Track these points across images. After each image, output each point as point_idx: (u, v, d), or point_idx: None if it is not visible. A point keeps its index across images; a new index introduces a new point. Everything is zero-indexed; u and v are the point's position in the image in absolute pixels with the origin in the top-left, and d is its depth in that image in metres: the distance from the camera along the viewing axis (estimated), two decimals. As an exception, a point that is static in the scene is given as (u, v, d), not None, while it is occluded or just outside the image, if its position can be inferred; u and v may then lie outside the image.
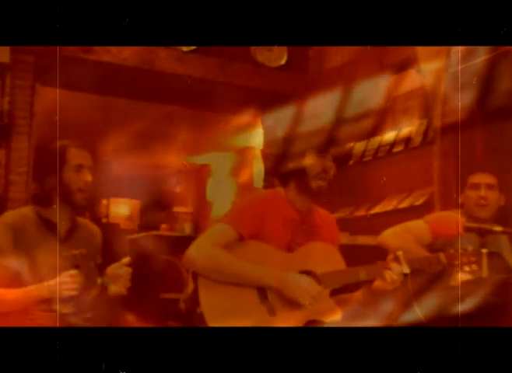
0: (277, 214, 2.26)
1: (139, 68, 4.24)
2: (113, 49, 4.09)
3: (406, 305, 2.32)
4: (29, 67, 3.96)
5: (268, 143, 5.10)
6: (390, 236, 2.73)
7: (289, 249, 2.24)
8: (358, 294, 2.30)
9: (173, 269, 4.10)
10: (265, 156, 5.22)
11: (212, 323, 2.03)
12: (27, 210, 2.30)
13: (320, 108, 4.24)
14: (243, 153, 7.14)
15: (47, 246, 2.21)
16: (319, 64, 4.79)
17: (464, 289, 2.35)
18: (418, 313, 2.29)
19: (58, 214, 2.29)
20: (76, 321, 2.14)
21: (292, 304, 2.12)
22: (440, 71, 3.59)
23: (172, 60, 4.33)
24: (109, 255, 2.38)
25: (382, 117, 4.37)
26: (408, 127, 4.22)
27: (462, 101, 3.30)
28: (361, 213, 4.44)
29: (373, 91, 4.24)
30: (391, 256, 2.22)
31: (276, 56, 4.67)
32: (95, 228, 2.45)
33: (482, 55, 3.33)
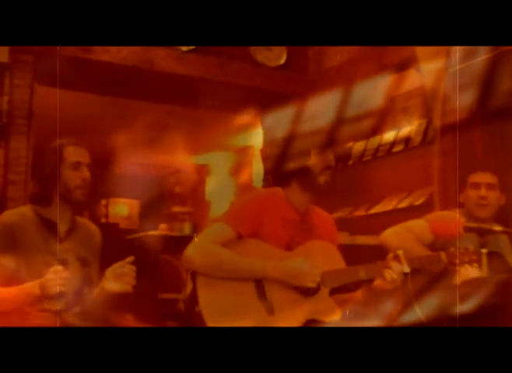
0: (276, 214, 2.26)
1: (138, 68, 4.23)
2: (113, 48, 4.09)
3: (406, 305, 2.32)
4: (28, 67, 3.95)
5: (267, 143, 5.10)
6: (391, 235, 2.73)
7: (289, 248, 2.25)
8: (358, 294, 2.30)
9: (172, 269, 4.10)
10: (265, 156, 5.23)
11: (211, 323, 2.03)
12: (26, 210, 2.30)
13: (320, 108, 4.24)
14: (242, 153, 7.14)
15: (46, 246, 2.21)
16: (318, 64, 4.79)
17: (465, 289, 2.35)
18: (418, 313, 2.29)
19: (57, 214, 2.29)
20: (71, 318, 2.14)
21: (291, 303, 2.12)
22: (440, 70, 3.59)
23: (171, 59, 4.32)
24: (108, 255, 2.38)
25: (382, 117, 4.37)
26: (407, 127, 4.22)
27: (462, 101, 3.30)
28: (360, 213, 4.44)
29: (372, 90, 4.24)
30: (391, 255, 2.22)
31: (276, 55, 4.67)
32: (94, 228, 2.45)
33: (482, 55, 3.33)
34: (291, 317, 2.11)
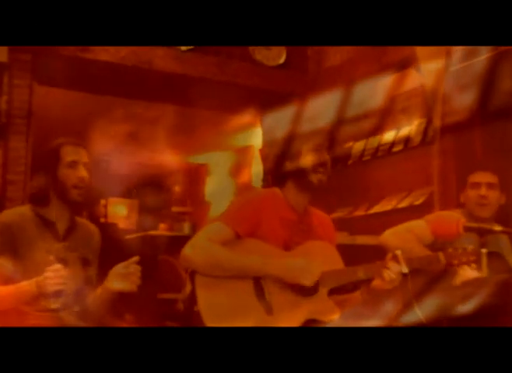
0: (274, 214, 2.26)
1: (137, 67, 4.22)
2: (111, 48, 4.08)
3: (406, 306, 2.32)
4: (27, 67, 3.94)
5: (266, 142, 5.09)
6: (391, 236, 2.72)
7: (287, 248, 2.24)
8: (357, 295, 2.30)
9: (171, 269, 4.10)
10: (264, 156, 5.22)
11: (210, 323, 2.03)
12: (25, 209, 2.30)
13: (319, 107, 4.24)
14: (241, 152, 7.14)
15: (45, 245, 2.20)
16: (318, 63, 4.78)
17: (465, 289, 2.34)
18: (418, 313, 2.29)
19: (56, 214, 2.29)
20: (70, 318, 2.14)
21: (290, 303, 2.11)
22: (440, 70, 3.59)
23: (170, 59, 4.32)
24: (107, 254, 2.38)
25: (381, 117, 4.37)
26: (407, 127, 4.21)
27: (462, 100, 3.29)
28: (360, 212, 4.43)
29: (372, 90, 4.23)
30: (389, 256, 2.22)
31: (275, 55, 4.66)
32: (93, 228, 2.44)
33: (482, 54, 3.32)
34: (290, 317, 2.10)
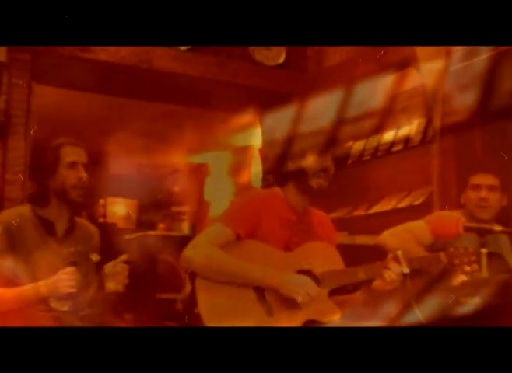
0: (274, 214, 2.26)
1: (137, 67, 4.22)
2: (111, 48, 4.08)
3: (406, 306, 2.31)
4: (26, 66, 3.94)
5: (266, 142, 5.09)
6: (390, 237, 2.72)
7: (287, 248, 2.24)
8: (357, 295, 2.30)
9: (171, 269, 4.09)
10: (263, 156, 5.22)
11: (210, 323, 2.03)
12: (24, 210, 2.30)
13: (319, 107, 4.24)
14: (241, 152, 7.13)
15: (44, 245, 2.20)
16: (318, 63, 4.78)
17: (465, 289, 2.34)
18: (418, 314, 2.28)
19: (56, 214, 2.29)
20: (73, 319, 2.14)
21: (290, 304, 2.11)
22: (440, 70, 3.59)
23: (169, 58, 4.31)
24: (106, 254, 2.38)
25: (381, 116, 4.36)
26: (407, 127, 4.21)
27: (462, 100, 3.29)
28: (360, 212, 4.43)
29: (372, 90, 4.23)
30: (390, 256, 2.21)
31: (274, 54, 4.66)
32: (92, 228, 2.44)
33: (482, 54, 3.32)
34: (290, 318, 2.10)
